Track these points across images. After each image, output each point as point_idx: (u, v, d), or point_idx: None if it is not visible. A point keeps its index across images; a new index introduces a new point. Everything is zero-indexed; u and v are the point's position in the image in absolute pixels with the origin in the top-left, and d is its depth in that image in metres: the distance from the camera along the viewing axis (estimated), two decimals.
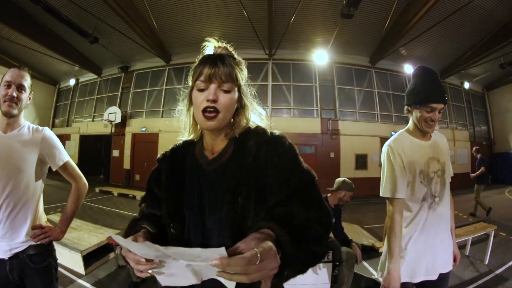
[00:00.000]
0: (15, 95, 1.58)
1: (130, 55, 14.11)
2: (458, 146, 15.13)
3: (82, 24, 11.07)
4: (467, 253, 3.44)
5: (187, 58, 13.60)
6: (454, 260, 1.83)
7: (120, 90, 15.27)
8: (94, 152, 17.03)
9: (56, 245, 3.78)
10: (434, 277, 1.70)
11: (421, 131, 1.80)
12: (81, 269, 3.67)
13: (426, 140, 1.83)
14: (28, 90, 1.67)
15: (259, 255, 0.61)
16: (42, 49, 12.89)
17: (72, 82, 17.10)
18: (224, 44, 1.06)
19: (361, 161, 12.90)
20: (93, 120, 16.13)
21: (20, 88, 1.61)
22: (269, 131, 1.01)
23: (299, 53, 12.87)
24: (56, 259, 1.79)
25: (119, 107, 14.65)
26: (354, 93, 13.62)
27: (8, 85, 1.58)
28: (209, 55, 0.99)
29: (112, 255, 4.09)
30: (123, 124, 14.45)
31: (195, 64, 0.99)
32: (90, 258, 3.83)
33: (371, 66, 13.77)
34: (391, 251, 1.67)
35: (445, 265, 1.75)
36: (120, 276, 3.69)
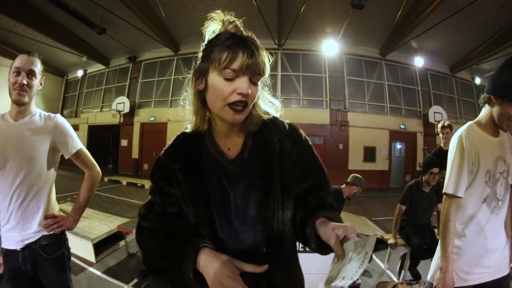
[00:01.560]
0: (25, 83, 1.52)
1: (138, 45, 14.07)
2: None
3: (90, 15, 11.08)
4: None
5: (196, 48, 13.38)
6: None
7: (128, 80, 15.30)
8: (103, 142, 17.15)
9: (68, 234, 3.85)
10: (487, 279, 1.61)
11: (496, 127, 1.62)
12: (91, 258, 3.71)
13: (495, 137, 1.65)
14: (39, 76, 1.60)
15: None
16: (50, 41, 12.92)
17: (80, 73, 17.20)
18: (233, 18, 0.90)
19: (369, 153, 12.81)
20: (101, 111, 16.23)
21: (31, 74, 1.55)
22: (286, 123, 0.97)
23: (309, 43, 12.71)
24: (69, 249, 1.76)
25: (128, 97, 14.70)
26: (364, 84, 13.45)
27: (18, 72, 1.52)
28: (236, 35, 0.83)
29: (122, 243, 4.13)
30: (131, 114, 14.51)
31: (216, 43, 0.83)
32: (101, 246, 3.87)
33: (381, 58, 13.56)
34: (445, 250, 1.56)
35: (502, 269, 1.65)
36: (130, 264, 3.72)
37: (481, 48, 12.20)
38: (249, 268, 0.77)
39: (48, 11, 11.17)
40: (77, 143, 1.72)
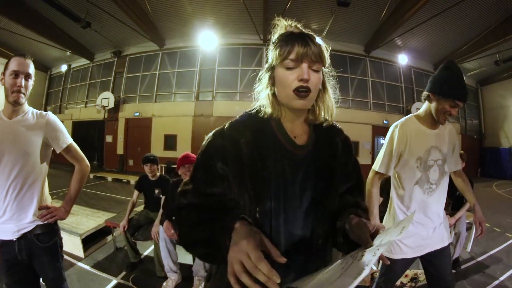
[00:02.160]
0: (23, 85, 1.63)
1: (123, 39, 13.87)
2: None
3: (74, 9, 10.83)
4: (451, 240, 3.64)
5: (181, 43, 13.50)
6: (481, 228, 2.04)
7: (113, 75, 15.06)
8: (88, 138, 16.87)
9: None
10: (420, 253, 1.91)
11: (434, 121, 1.85)
12: (80, 253, 3.73)
13: (432, 129, 1.88)
14: (33, 77, 1.72)
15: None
16: (33, 35, 12.58)
17: (64, 68, 16.80)
18: (294, 22, 0.97)
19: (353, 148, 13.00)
20: (85, 106, 15.92)
21: (28, 77, 1.66)
22: (342, 129, 1.10)
23: None
24: (61, 238, 1.89)
25: (112, 92, 14.49)
26: (348, 80, 13.67)
27: (16, 75, 1.62)
28: (293, 33, 0.92)
29: (109, 237, 4.17)
30: (116, 109, 14.32)
31: (277, 41, 0.93)
32: (89, 241, 3.90)
33: (365, 54, 13.80)
34: (371, 213, 1.83)
35: (443, 240, 1.92)
36: (118, 258, 3.77)
37: (465, 48, 12.54)
38: (273, 251, 0.69)
39: (31, 4, 10.88)
40: (68, 138, 1.84)
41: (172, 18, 11.84)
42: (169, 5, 11.14)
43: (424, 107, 1.89)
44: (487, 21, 10.75)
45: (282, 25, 0.97)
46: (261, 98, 0.99)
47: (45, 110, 12.78)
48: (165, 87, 14.00)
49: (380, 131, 13.76)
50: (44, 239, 1.72)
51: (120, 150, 14.37)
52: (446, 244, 1.94)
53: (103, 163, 14.98)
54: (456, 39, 12.20)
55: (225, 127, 0.97)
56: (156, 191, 3.72)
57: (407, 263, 1.95)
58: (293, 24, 0.96)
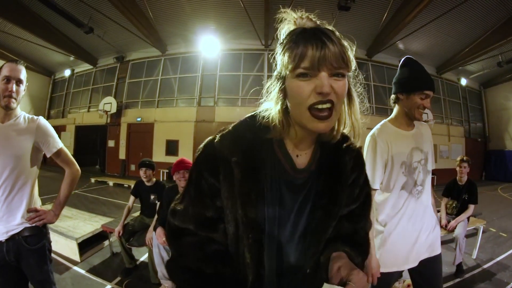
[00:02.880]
0: (15, 90, 1.66)
1: (126, 45, 14.00)
2: (453, 141, 15.31)
3: (77, 14, 10.97)
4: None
5: (183, 48, 13.57)
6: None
7: (115, 80, 15.18)
8: (90, 143, 17.00)
9: (52, 234, 3.83)
10: (407, 266, 1.75)
11: (410, 119, 1.78)
12: (76, 257, 3.71)
13: (409, 130, 1.81)
14: (24, 83, 1.74)
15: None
16: (37, 40, 12.76)
17: (67, 72, 16.99)
18: (305, 14, 0.77)
19: None
20: (88, 111, 16.04)
21: (19, 82, 1.69)
22: (354, 142, 0.88)
23: None
24: (50, 242, 1.87)
25: (115, 97, 14.59)
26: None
27: (8, 80, 1.64)
28: (306, 30, 0.72)
29: (106, 242, 4.13)
30: (118, 114, 14.40)
31: (285, 42, 0.73)
32: (85, 245, 3.87)
33: (367, 59, 13.77)
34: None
35: (435, 249, 1.78)
36: (114, 263, 3.73)
37: (467, 50, 12.51)
38: None
39: (36, 9, 11.04)
40: (58, 143, 1.86)
41: (174, 24, 11.92)
42: (171, 11, 11.23)
43: (395, 110, 1.84)
44: (488, 23, 10.73)
45: (290, 19, 0.76)
46: (268, 111, 0.80)
47: (49, 114, 13.09)
48: (167, 93, 14.05)
49: None
50: (31, 241, 1.73)
51: (122, 155, 14.41)
52: (437, 252, 1.79)
53: (105, 168, 15.02)
54: (458, 41, 12.17)
55: (216, 140, 0.80)
56: (152, 197, 3.67)
57: (392, 277, 1.80)
58: (304, 16, 0.76)
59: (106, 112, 14.07)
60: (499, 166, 15.77)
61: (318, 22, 0.76)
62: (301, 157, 0.84)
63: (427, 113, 13.60)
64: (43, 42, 12.98)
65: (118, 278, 3.28)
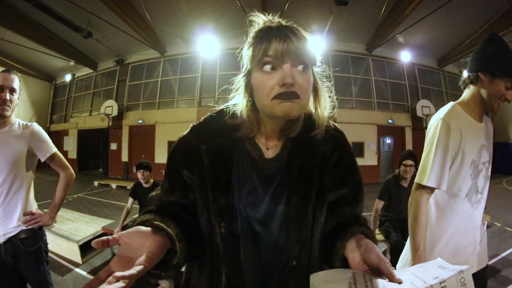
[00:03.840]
0: (8, 98, 1.72)
1: (125, 48, 14.04)
2: None
3: (75, 20, 11.05)
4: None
5: (182, 49, 13.59)
6: None
7: (116, 83, 15.26)
8: (93, 146, 17.10)
9: (54, 236, 3.87)
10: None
11: (483, 109, 1.43)
12: (78, 259, 3.75)
13: (480, 122, 1.44)
14: (18, 91, 1.80)
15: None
16: (37, 46, 12.84)
17: (68, 77, 17.11)
18: (277, 18, 0.79)
19: (357, 149, 12.93)
20: (90, 115, 16.14)
21: (12, 91, 1.75)
22: (330, 123, 0.86)
23: None
24: (46, 243, 1.91)
25: (116, 100, 14.68)
26: (351, 80, 13.59)
27: (1, 89, 1.71)
28: (271, 27, 0.74)
29: None
30: (120, 117, 14.49)
31: (252, 40, 0.75)
32: (87, 248, 3.89)
33: (367, 53, 13.72)
34: (416, 247, 1.35)
35: (482, 260, 1.54)
36: None
37: (468, 41, 12.35)
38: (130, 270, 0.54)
39: (34, 16, 11.11)
40: (52, 147, 1.92)
41: (172, 25, 11.93)
42: (168, 12, 11.24)
43: (468, 93, 1.45)
44: (489, 13, 10.59)
45: (260, 22, 0.79)
46: (237, 106, 0.83)
47: (51, 119, 13.29)
48: (167, 94, 14.10)
49: (385, 130, 13.65)
50: (28, 243, 1.78)
51: (124, 157, 14.49)
52: (485, 264, 1.54)
53: (108, 171, 15.12)
54: (459, 33, 12.04)
55: (187, 132, 0.86)
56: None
57: None
58: (275, 20, 0.78)
59: (108, 115, 14.16)
60: (503, 159, 15.58)
61: (282, 22, 0.78)
62: (272, 149, 0.84)
63: (429, 107, 13.52)
64: (43, 48, 13.07)
65: None
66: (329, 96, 0.84)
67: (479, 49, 1.44)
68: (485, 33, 11.37)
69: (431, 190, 1.38)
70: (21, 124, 1.83)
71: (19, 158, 1.75)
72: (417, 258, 1.34)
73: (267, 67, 0.71)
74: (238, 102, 0.82)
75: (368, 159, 13.06)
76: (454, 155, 1.37)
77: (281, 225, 0.80)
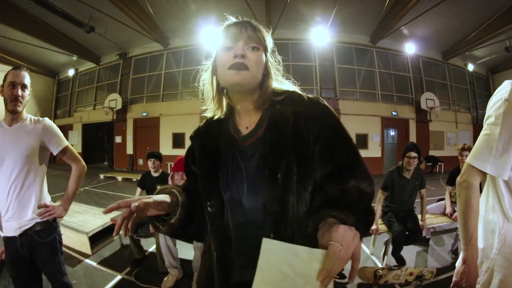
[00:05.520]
0: (20, 94, 1.77)
1: (128, 41, 14.03)
2: (461, 128, 15.11)
3: (77, 14, 11.03)
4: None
5: (185, 41, 13.53)
6: None
7: (119, 77, 15.30)
8: (97, 140, 17.22)
9: (64, 229, 3.94)
10: None
11: None
12: (87, 250, 3.81)
13: None
14: (29, 87, 1.84)
15: (341, 247, 0.60)
16: (39, 42, 12.89)
17: (71, 72, 17.14)
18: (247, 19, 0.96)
19: (361, 140, 12.94)
20: (94, 109, 16.23)
21: (24, 87, 1.80)
22: (305, 96, 0.91)
23: (298, 33, 12.73)
24: (60, 235, 1.96)
25: (119, 93, 14.73)
26: (355, 72, 13.52)
27: (13, 86, 1.75)
28: (234, 22, 0.93)
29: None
30: (124, 110, 14.55)
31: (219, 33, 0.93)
32: (96, 239, 3.97)
33: (372, 45, 13.61)
34: (468, 236, 1.19)
35: None
36: (123, 255, 3.84)
37: (473, 35, 12.22)
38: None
39: (35, 12, 11.11)
40: (63, 141, 1.95)
41: (175, 17, 11.90)
42: (170, 4, 11.20)
43: None
44: (495, 6, 10.42)
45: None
46: (205, 94, 1.01)
47: (55, 114, 13.32)
48: (171, 86, 14.11)
49: (389, 122, 13.60)
50: (43, 235, 1.82)
51: (129, 150, 14.60)
52: None
53: (114, 164, 15.24)
54: (464, 25, 11.87)
55: (191, 134, 1.06)
56: (158, 187, 3.75)
57: None
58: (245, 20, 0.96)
59: (112, 108, 14.23)
60: None
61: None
62: (250, 127, 0.95)
63: (433, 100, 13.45)
64: (45, 44, 13.11)
65: (128, 269, 3.37)
66: (282, 76, 0.98)
67: None
68: (490, 27, 11.25)
69: (484, 174, 1.22)
70: (32, 119, 1.87)
71: (32, 153, 1.79)
72: (470, 249, 1.19)
73: (226, 46, 0.88)
74: (205, 81, 1.00)
75: (372, 151, 13.06)
76: None
77: (258, 198, 0.87)
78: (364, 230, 0.81)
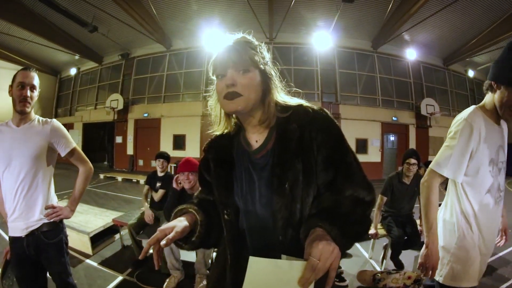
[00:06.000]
0: (29, 95, 1.78)
1: (130, 42, 14.08)
2: None
3: (81, 14, 11.09)
4: None
5: (187, 43, 13.57)
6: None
7: (121, 77, 15.31)
8: (98, 140, 17.23)
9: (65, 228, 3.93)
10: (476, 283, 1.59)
11: (498, 115, 1.52)
12: (88, 250, 3.83)
13: (498, 125, 1.56)
14: (37, 88, 1.86)
15: (318, 261, 0.67)
16: (42, 41, 12.91)
17: (73, 71, 17.15)
18: (242, 34, 1.01)
19: (361, 145, 12.97)
20: (95, 108, 16.23)
21: (33, 88, 1.81)
22: (310, 108, 0.96)
23: (300, 37, 12.78)
24: (66, 235, 1.98)
25: (121, 94, 14.75)
26: (356, 77, 13.57)
27: (22, 86, 1.76)
28: (225, 46, 0.97)
29: (117, 236, 4.25)
30: (125, 110, 14.56)
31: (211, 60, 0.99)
32: (97, 239, 3.99)
33: (373, 50, 13.66)
34: (429, 225, 1.50)
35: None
36: (124, 255, 3.85)
37: (474, 41, 12.26)
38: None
39: (39, 10, 11.16)
40: (71, 143, 1.96)
41: (178, 19, 11.93)
42: (174, 6, 11.24)
43: (488, 98, 1.54)
44: (496, 13, 10.49)
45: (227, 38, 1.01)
46: (213, 114, 1.07)
47: (56, 112, 13.28)
48: (173, 88, 14.14)
49: (389, 128, 13.64)
50: (50, 235, 1.83)
51: (130, 150, 14.60)
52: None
53: (114, 164, 15.24)
54: (466, 32, 11.94)
55: (204, 146, 1.12)
56: (158, 184, 3.87)
57: None
58: (240, 37, 1.00)
59: (113, 108, 14.25)
60: (508, 160, 15.50)
61: (248, 37, 0.99)
62: (259, 141, 1.01)
63: (433, 105, 13.50)
64: (48, 42, 13.13)
65: (129, 270, 3.39)
66: (284, 86, 1.04)
67: (498, 57, 1.48)
68: (491, 33, 11.30)
69: (442, 177, 1.53)
70: (40, 120, 1.88)
71: (40, 153, 1.80)
72: (431, 235, 1.49)
73: (219, 74, 0.94)
74: (211, 106, 1.07)
75: (372, 156, 13.09)
76: (473, 153, 1.48)
77: (269, 206, 0.95)
78: (351, 241, 0.87)
